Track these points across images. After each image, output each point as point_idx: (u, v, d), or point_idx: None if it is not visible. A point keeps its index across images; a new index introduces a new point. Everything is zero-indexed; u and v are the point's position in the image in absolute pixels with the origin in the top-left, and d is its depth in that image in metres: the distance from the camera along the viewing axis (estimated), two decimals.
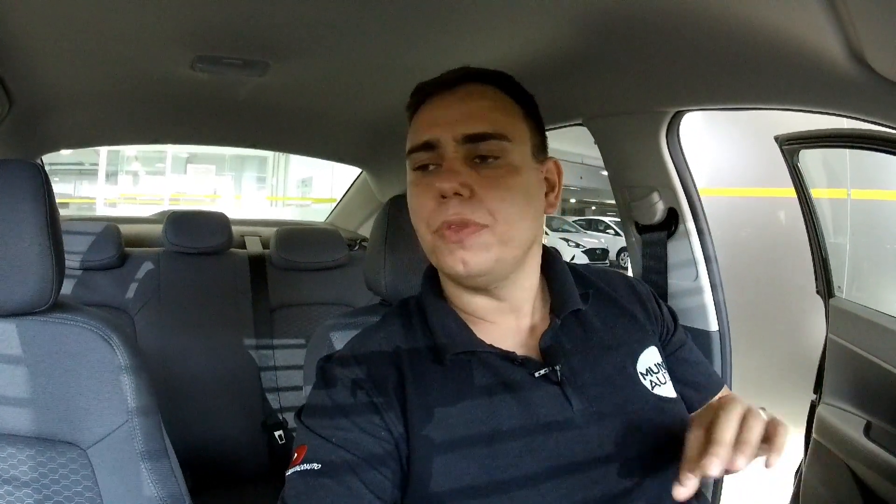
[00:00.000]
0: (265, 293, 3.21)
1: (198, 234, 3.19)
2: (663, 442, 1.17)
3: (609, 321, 1.30)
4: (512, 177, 1.15)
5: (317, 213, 16.22)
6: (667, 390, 1.26)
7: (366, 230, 4.22)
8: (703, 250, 1.99)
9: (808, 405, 2.75)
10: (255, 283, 3.23)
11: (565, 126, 2.21)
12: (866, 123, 1.39)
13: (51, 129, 2.93)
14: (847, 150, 4.92)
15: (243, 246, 3.66)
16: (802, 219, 2.81)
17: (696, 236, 1.99)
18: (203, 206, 13.86)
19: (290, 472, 1.10)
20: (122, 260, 3.03)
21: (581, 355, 1.22)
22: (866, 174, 4.99)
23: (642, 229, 2.12)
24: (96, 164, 16.69)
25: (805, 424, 2.73)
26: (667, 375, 1.29)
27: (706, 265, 1.99)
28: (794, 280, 5.01)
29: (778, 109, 1.58)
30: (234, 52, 1.98)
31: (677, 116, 1.88)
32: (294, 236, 3.36)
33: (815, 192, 2.81)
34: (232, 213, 3.37)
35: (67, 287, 2.83)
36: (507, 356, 1.17)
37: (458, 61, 1.22)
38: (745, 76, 1.49)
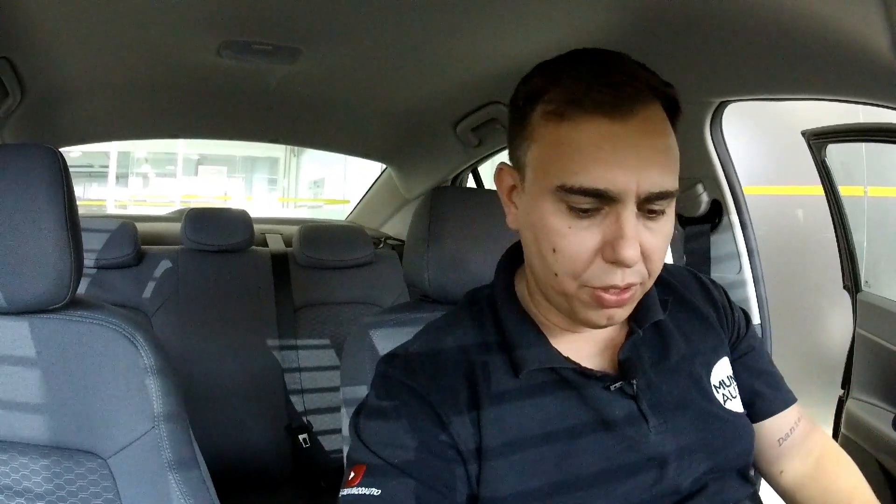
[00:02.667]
0: (289, 292, 3.15)
1: (218, 232, 3.12)
2: (731, 458, 1.13)
3: (686, 329, 1.20)
4: (669, 226, 1.00)
5: (329, 215, 16.18)
6: (737, 405, 1.19)
7: (389, 228, 4.19)
8: (746, 243, 1.96)
9: (829, 401, 2.73)
10: (279, 282, 3.16)
11: None
12: None
13: (66, 121, 2.87)
14: (864, 148, 4.92)
15: (264, 244, 3.60)
16: (829, 214, 2.78)
17: (740, 229, 1.95)
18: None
19: (345, 492, 1.02)
20: (139, 258, 2.97)
21: (658, 368, 1.14)
22: (884, 172, 4.98)
23: (685, 222, 2.08)
24: (106, 167, 16.63)
25: (832, 420, 2.71)
26: (736, 389, 1.22)
27: (749, 258, 1.95)
28: (812, 278, 5.00)
29: (822, 100, 1.54)
30: (265, 38, 1.92)
31: (721, 107, 1.84)
32: (319, 234, 3.30)
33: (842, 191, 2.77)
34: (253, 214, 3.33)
35: (82, 286, 2.69)
36: (585, 373, 1.08)
37: (496, 51, 1.15)
38: (790, 66, 1.45)
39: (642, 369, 1.11)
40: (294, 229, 3.38)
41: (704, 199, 1.97)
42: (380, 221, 4.28)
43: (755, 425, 1.24)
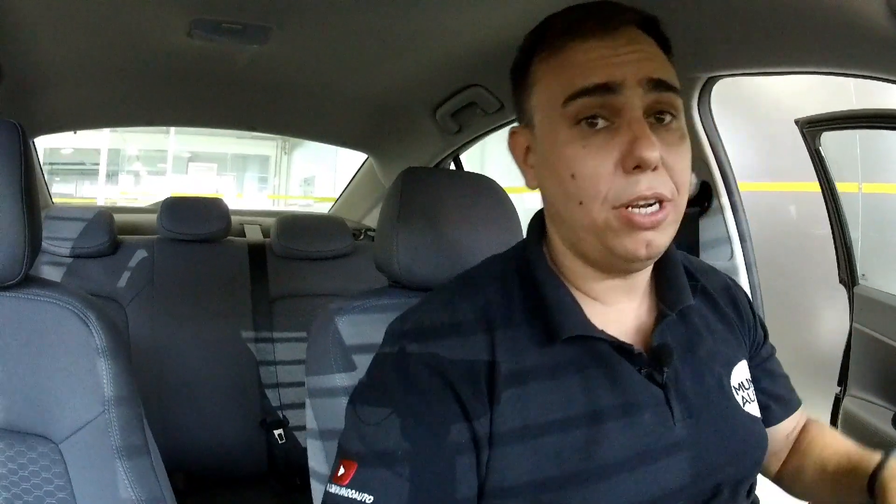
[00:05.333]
0: (265, 283, 3.09)
1: (194, 221, 3.06)
2: (747, 461, 1.11)
3: (710, 324, 1.17)
4: (686, 142, 0.99)
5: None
6: (754, 408, 1.16)
7: (370, 220, 4.14)
8: (737, 228, 1.91)
9: (825, 398, 2.74)
10: (255, 273, 3.10)
11: None
12: None
13: (43, 108, 2.84)
14: (858, 144, 4.89)
15: (243, 234, 3.58)
16: (824, 205, 2.74)
17: (731, 213, 1.90)
18: None
19: (332, 489, 0.96)
20: (115, 248, 2.92)
21: (684, 360, 1.09)
22: (878, 168, 4.96)
23: None
24: (97, 164, 16.75)
25: (829, 419, 2.70)
26: (753, 393, 1.18)
27: (741, 244, 1.91)
28: (805, 274, 4.97)
29: (816, 73, 1.51)
30: (235, 16, 1.87)
31: (710, 83, 1.79)
32: (296, 224, 3.25)
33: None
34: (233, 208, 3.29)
35: (56, 275, 2.73)
36: (623, 347, 1.03)
37: (476, 31, 1.09)
38: (782, 38, 1.42)
39: (672, 358, 1.06)
40: (272, 220, 3.35)
41: (693, 180, 1.91)
42: (361, 213, 4.24)
43: (772, 428, 1.24)
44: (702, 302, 1.18)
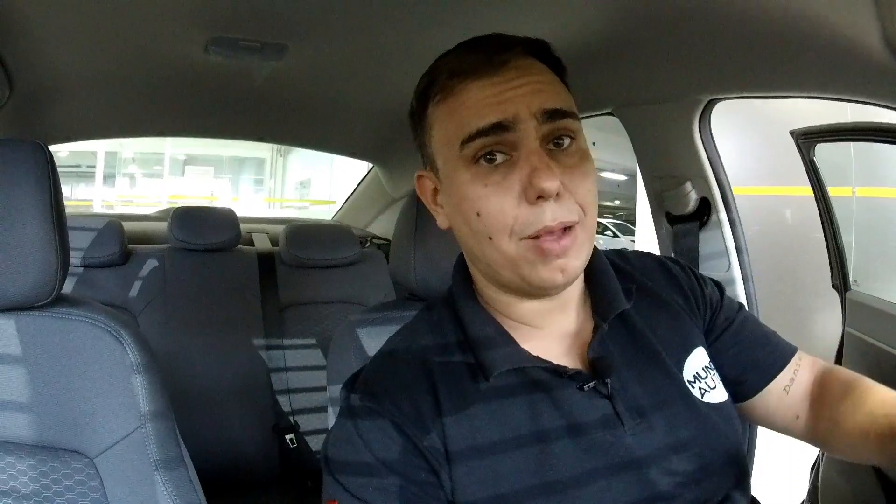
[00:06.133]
0: (275, 291, 3.13)
1: (205, 230, 3.10)
2: (717, 453, 1.09)
3: (652, 321, 1.17)
4: (587, 161, 1.01)
5: (315, 215, 16.18)
6: (717, 395, 1.15)
7: (375, 227, 4.18)
8: (734, 241, 1.96)
9: None
10: (265, 281, 3.15)
11: (593, 116, 2.17)
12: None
13: (54, 119, 2.85)
14: (852, 149, 4.94)
15: (251, 243, 3.60)
16: (818, 213, 2.78)
17: (729, 227, 1.96)
18: None
19: None
20: (126, 257, 2.95)
21: (629, 365, 1.10)
22: (872, 172, 5.00)
23: (673, 220, 2.08)
24: (94, 167, 16.62)
25: None
26: (716, 377, 1.17)
27: (738, 256, 1.96)
28: (800, 277, 5.02)
29: (812, 98, 1.53)
30: (252, 34, 1.90)
31: (710, 104, 1.84)
32: (305, 233, 3.28)
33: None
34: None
35: (68, 285, 2.73)
36: (557, 370, 1.04)
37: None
38: (781, 64, 1.45)
39: (615, 367, 1.08)
40: (280, 228, 3.36)
41: (693, 196, 1.98)
42: (366, 221, 4.26)
43: (759, 394, 1.22)
44: (641, 299, 1.18)
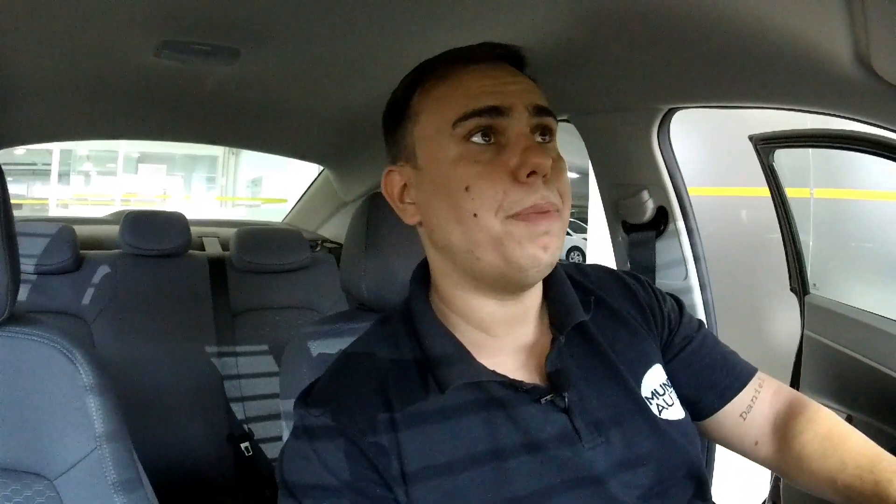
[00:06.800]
0: (226, 297, 3.10)
1: (155, 236, 3.05)
2: (674, 467, 1.09)
3: (610, 335, 1.17)
4: (562, 161, 1.05)
5: (267, 214, 16.16)
6: (674, 412, 1.15)
7: (326, 230, 4.15)
8: (692, 249, 1.96)
9: None
10: (216, 287, 3.12)
11: None
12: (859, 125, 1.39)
13: (4, 123, 2.80)
14: (810, 151, 4.98)
15: (202, 248, 3.55)
16: (776, 218, 2.79)
17: (686, 235, 1.96)
18: (155, 206, 13.76)
19: None
20: (78, 264, 2.89)
21: (587, 379, 1.10)
22: (829, 174, 5.04)
23: (630, 228, 2.07)
24: (49, 164, 16.46)
25: None
26: (673, 395, 1.18)
27: (695, 264, 1.96)
28: (757, 278, 5.05)
29: (777, 109, 1.54)
30: (204, 38, 1.86)
31: (670, 113, 1.83)
32: (255, 237, 3.26)
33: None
34: (185, 214, 3.27)
35: (22, 293, 2.63)
36: (514, 385, 1.04)
37: (438, 49, 1.12)
38: (747, 74, 1.44)
39: (573, 381, 1.07)
40: (231, 232, 3.34)
41: (650, 205, 1.97)
42: (317, 223, 4.24)
43: (714, 416, 1.22)
44: (599, 313, 1.18)
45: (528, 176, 0.96)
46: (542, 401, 1.04)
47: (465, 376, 1.03)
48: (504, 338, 1.10)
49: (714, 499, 1.19)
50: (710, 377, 1.23)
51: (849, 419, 2.28)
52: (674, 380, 1.21)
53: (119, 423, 1.32)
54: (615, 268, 1.38)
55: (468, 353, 1.06)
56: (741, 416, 1.22)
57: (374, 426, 1.01)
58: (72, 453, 1.26)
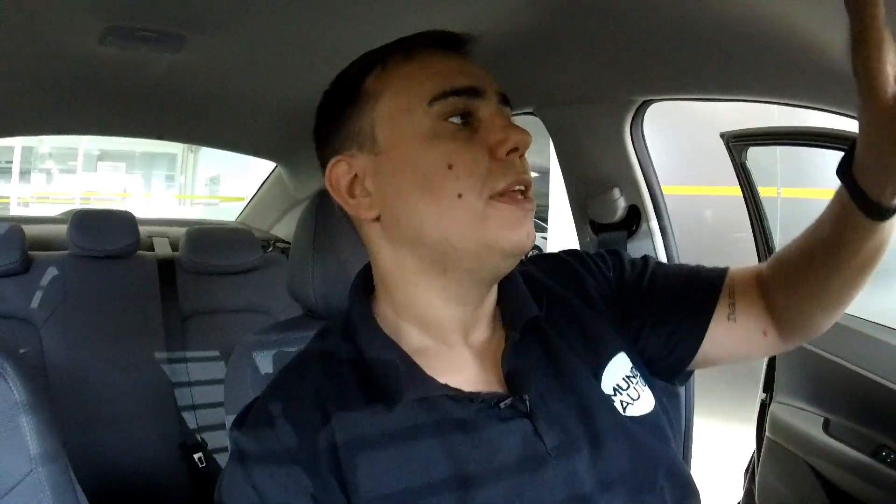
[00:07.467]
0: (175, 300, 3.00)
1: (103, 236, 2.94)
2: (649, 466, 1.00)
3: (564, 329, 1.09)
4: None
5: (225, 213, 16.19)
6: (641, 407, 1.06)
7: (279, 230, 4.07)
8: (666, 251, 1.90)
9: (751, 403, 2.70)
10: (165, 289, 3.01)
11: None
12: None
13: None
14: (778, 150, 4.97)
15: (151, 248, 3.45)
16: (748, 217, 2.74)
17: (660, 236, 1.90)
18: (113, 204, 13.67)
19: None
20: (27, 265, 2.78)
21: (546, 378, 1.02)
22: (798, 173, 5.04)
23: (599, 228, 2.01)
24: (10, 162, 16.39)
25: (753, 423, 2.67)
26: (640, 384, 1.08)
27: None
28: None
29: (763, 103, 1.50)
30: (149, 23, 1.78)
31: (644, 106, 1.78)
32: (205, 237, 3.16)
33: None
34: (142, 213, 3.16)
35: None
36: (470, 398, 0.97)
37: (393, 38, 1.04)
38: (730, 66, 1.41)
39: (532, 381, 1.01)
40: (181, 231, 3.24)
41: (621, 204, 1.91)
42: (269, 222, 4.15)
43: (702, 345, 1.11)
44: (552, 308, 1.12)
45: (508, 154, 0.94)
46: (502, 405, 0.97)
47: (414, 392, 0.96)
48: (457, 343, 1.03)
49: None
50: (678, 310, 1.12)
51: (826, 422, 2.27)
52: (643, 342, 1.13)
53: (55, 443, 1.23)
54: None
55: (416, 366, 0.98)
56: (728, 319, 1.11)
57: (315, 455, 0.92)
58: (9, 476, 1.17)
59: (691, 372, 1.18)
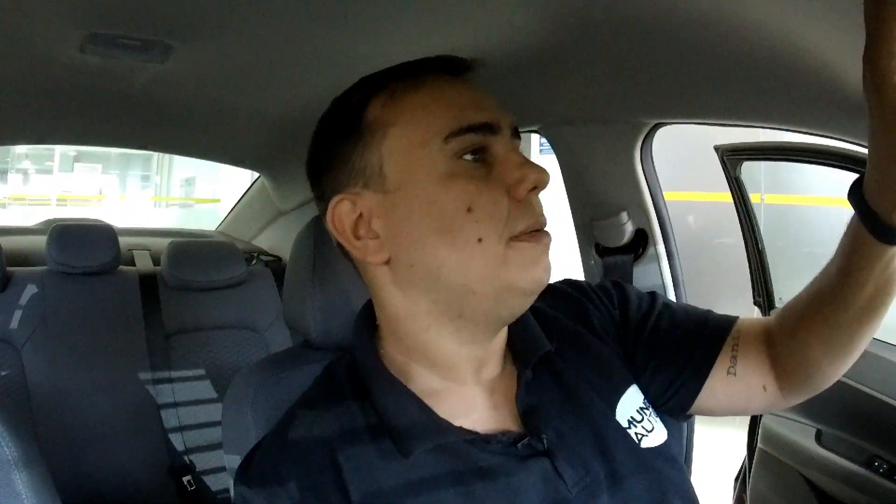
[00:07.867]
0: (158, 317, 2.92)
1: (83, 252, 2.85)
2: (661, 501, 0.98)
3: (576, 363, 1.07)
4: None
5: (201, 214, 16.17)
6: (655, 438, 1.04)
7: (262, 240, 4.01)
8: (672, 275, 1.88)
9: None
10: (147, 306, 2.92)
11: None
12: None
13: None
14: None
15: (132, 262, 3.35)
16: (741, 230, 2.73)
17: (667, 260, 1.87)
18: (90, 206, 13.54)
19: None
20: (5, 283, 2.69)
21: (561, 415, 1.00)
22: (780, 180, 5.06)
23: (605, 252, 1.98)
24: None
25: (743, 427, 2.66)
26: (652, 416, 1.07)
27: (675, 291, 1.90)
28: (699, 281, 5.06)
29: (764, 127, 1.53)
30: (132, 31, 1.72)
31: (655, 128, 1.74)
32: (187, 251, 3.10)
33: (728, 198, 2.73)
34: (117, 216, 3.09)
35: None
36: (486, 439, 0.94)
37: (392, 53, 1.00)
38: (749, 92, 1.37)
39: (550, 419, 0.98)
40: (162, 244, 3.17)
41: (629, 228, 1.89)
42: (252, 233, 4.09)
43: (700, 395, 1.08)
44: (563, 342, 1.08)
45: (530, 191, 0.91)
46: (520, 446, 0.94)
47: (429, 439, 0.92)
48: (469, 381, 1.00)
49: None
50: (678, 358, 1.09)
51: (818, 433, 2.26)
52: (647, 380, 1.10)
53: (52, 498, 1.22)
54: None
55: (430, 410, 0.95)
56: (728, 373, 1.08)
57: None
58: None
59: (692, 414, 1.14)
